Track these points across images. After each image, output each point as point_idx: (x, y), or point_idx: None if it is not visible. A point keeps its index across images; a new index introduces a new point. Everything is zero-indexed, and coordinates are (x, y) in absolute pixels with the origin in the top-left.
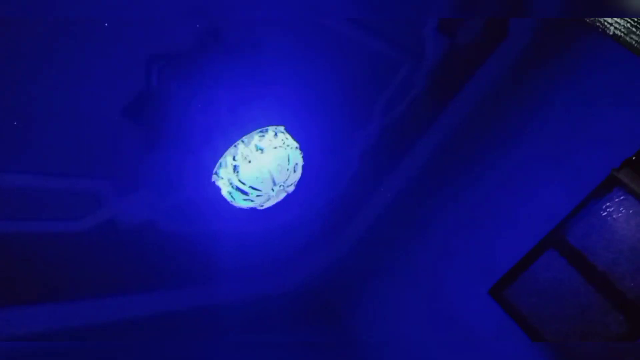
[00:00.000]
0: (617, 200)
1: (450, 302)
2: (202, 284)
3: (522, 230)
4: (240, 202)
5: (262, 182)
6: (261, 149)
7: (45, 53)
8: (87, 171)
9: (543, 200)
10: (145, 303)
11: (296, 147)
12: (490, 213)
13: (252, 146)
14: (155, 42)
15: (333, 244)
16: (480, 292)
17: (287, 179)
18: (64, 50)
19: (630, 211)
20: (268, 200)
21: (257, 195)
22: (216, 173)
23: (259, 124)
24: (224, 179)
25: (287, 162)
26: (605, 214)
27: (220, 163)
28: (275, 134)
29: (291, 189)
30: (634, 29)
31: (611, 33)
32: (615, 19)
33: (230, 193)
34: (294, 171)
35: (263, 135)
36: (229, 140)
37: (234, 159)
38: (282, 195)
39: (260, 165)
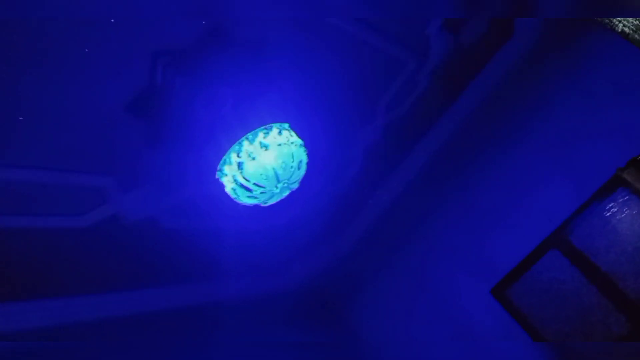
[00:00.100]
0: (621, 200)
1: (452, 302)
2: (204, 281)
3: (524, 230)
4: (244, 199)
5: (266, 179)
6: (265, 146)
7: (50, 49)
8: (91, 167)
9: (546, 200)
10: (147, 300)
11: (300, 145)
12: (493, 212)
13: (256, 143)
14: (160, 39)
15: (336, 242)
16: (482, 292)
17: (291, 176)
18: (69, 47)
19: (634, 212)
20: (272, 197)
21: (261, 192)
22: (220, 170)
23: (263, 121)
24: (228, 176)
25: (291, 160)
26: (609, 214)
27: (225, 160)
28: (280, 131)
29: (295, 186)
30: None
31: (619, 30)
32: None
33: (234, 190)
34: (298, 168)
35: (267, 133)
36: (233, 137)
37: (238, 155)
38: (286, 193)
39: (265, 163)
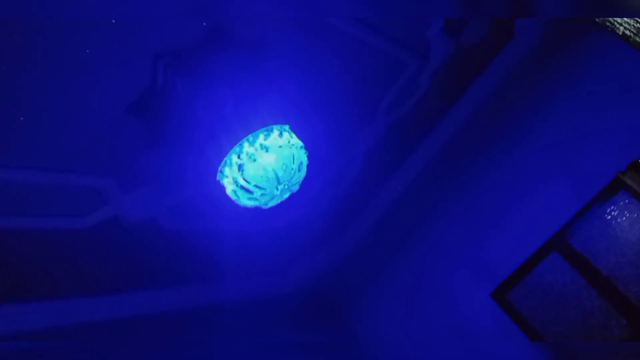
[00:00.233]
0: (621, 203)
1: (453, 305)
2: (205, 282)
3: (525, 232)
4: (244, 200)
5: (266, 181)
6: (266, 148)
7: (51, 50)
8: (92, 168)
9: (547, 202)
10: (147, 301)
11: (301, 146)
12: (493, 215)
13: (257, 145)
14: (161, 40)
15: (336, 243)
16: (483, 295)
17: (291, 178)
18: (70, 48)
19: (635, 215)
20: (272, 199)
21: (262, 194)
22: (221, 171)
23: (263, 122)
24: (229, 178)
25: (292, 161)
26: (609, 217)
27: (225, 161)
28: (280, 133)
29: (296, 188)
30: None
31: (620, 33)
32: (625, 19)
33: (234, 191)
34: (299, 170)
35: (268, 134)
36: (234, 138)
37: (238, 157)
38: (287, 195)
39: (265, 164)
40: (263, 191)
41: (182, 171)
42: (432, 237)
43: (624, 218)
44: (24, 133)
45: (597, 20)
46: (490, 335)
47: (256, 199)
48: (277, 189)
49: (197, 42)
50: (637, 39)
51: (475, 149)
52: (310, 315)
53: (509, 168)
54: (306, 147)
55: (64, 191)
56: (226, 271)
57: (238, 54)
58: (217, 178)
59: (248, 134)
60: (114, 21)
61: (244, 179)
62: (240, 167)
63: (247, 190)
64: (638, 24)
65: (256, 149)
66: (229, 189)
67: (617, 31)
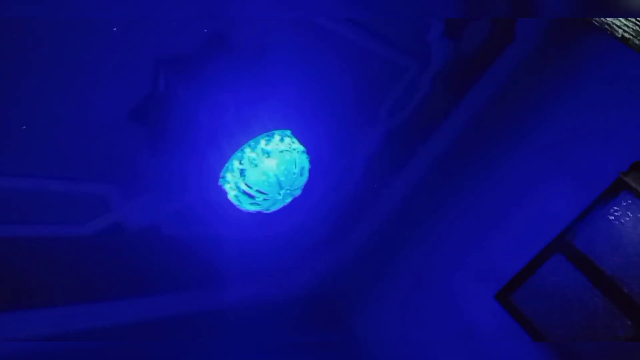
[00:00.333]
0: (624, 204)
1: (457, 307)
2: (207, 287)
3: (528, 234)
4: (246, 206)
5: (268, 186)
6: (268, 153)
7: (52, 56)
8: (93, 175)
9: (550, 204)
10: (150, 307)
11: (302, 151)
12: (496, 217)
13: (258, 150)
14: (162, 46)
15: (339, 247)
16: (486, 297)
17: (293, 183)
18: (71, 53)
19: (638, 215)
20: (274, 204)
21: (264, 199)
22: (223, 177)
23: (265, 127)
24: (231, 183)
25: (294, 166)
26: (612, 218)
27: (227, 167)
28: (282, 138)
29: (298, 192)
30: None
31: (620, 36)
32: (624, 21)
33: (236, 197)
34: (300, 175)
35: (269, 139)
36: (235, 143)
37: (240, 162)
38: (289, 199)
39: (267, 169)
40: (265, 196)
41: (184, 177)
42: (434, 240)
43: (627, 219)
44: (25, 140)
45: (596, 23)
46: (494, 337)
47: (258, 204)
48: (279, 194)
49: (198, 48)
50: (636, 41)
51: (477, 151)
52: (313, 320)
53: (510, 170)
54: (308, 152)
55: (65, 198)
56: (228, 277)
57: (239, 59)
58: (219, 184)
59: (249, 139)
60: (115, 29)
61: (246, 184)
62: (242, 173)
63: (250, 196)
64: (637, 27)
65: (257, 154)
66: (231, 194)
67: (617, 34)
